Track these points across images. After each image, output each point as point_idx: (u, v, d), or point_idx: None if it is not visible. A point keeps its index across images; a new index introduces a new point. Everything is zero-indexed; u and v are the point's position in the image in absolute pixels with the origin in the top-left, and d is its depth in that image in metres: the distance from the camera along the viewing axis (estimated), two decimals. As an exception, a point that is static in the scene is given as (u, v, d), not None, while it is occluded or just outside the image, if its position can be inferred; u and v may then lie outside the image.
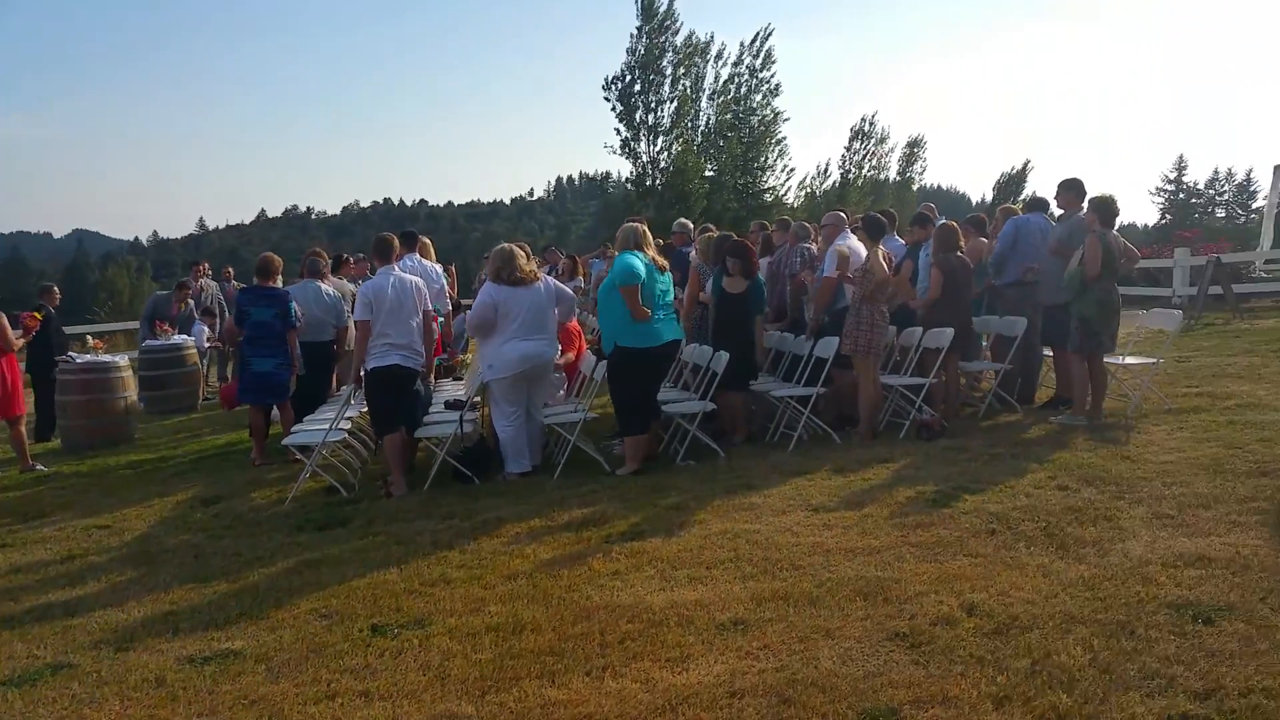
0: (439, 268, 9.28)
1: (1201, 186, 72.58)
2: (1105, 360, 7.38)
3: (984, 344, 9.07)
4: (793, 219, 11.37)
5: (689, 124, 39.52)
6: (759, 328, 7.77)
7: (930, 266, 7.78)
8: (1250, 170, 68.40)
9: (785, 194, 40.46)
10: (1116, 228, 7.25)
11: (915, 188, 48.94)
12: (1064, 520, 4.89)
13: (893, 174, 47.02)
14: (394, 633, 4.06)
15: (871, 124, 45.51)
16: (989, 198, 53.86)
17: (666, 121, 38.83)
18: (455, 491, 6.58)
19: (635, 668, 3.52)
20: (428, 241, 9.62)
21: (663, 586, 4.36)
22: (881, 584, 4.20)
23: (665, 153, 39.09)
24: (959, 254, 7.83)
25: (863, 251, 7.57)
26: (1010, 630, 3.64)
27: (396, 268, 7.11)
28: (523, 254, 6.93)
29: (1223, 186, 72.46)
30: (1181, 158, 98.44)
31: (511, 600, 4.32)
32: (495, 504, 6.10)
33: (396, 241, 7.51)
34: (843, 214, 8.55)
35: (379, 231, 8.61)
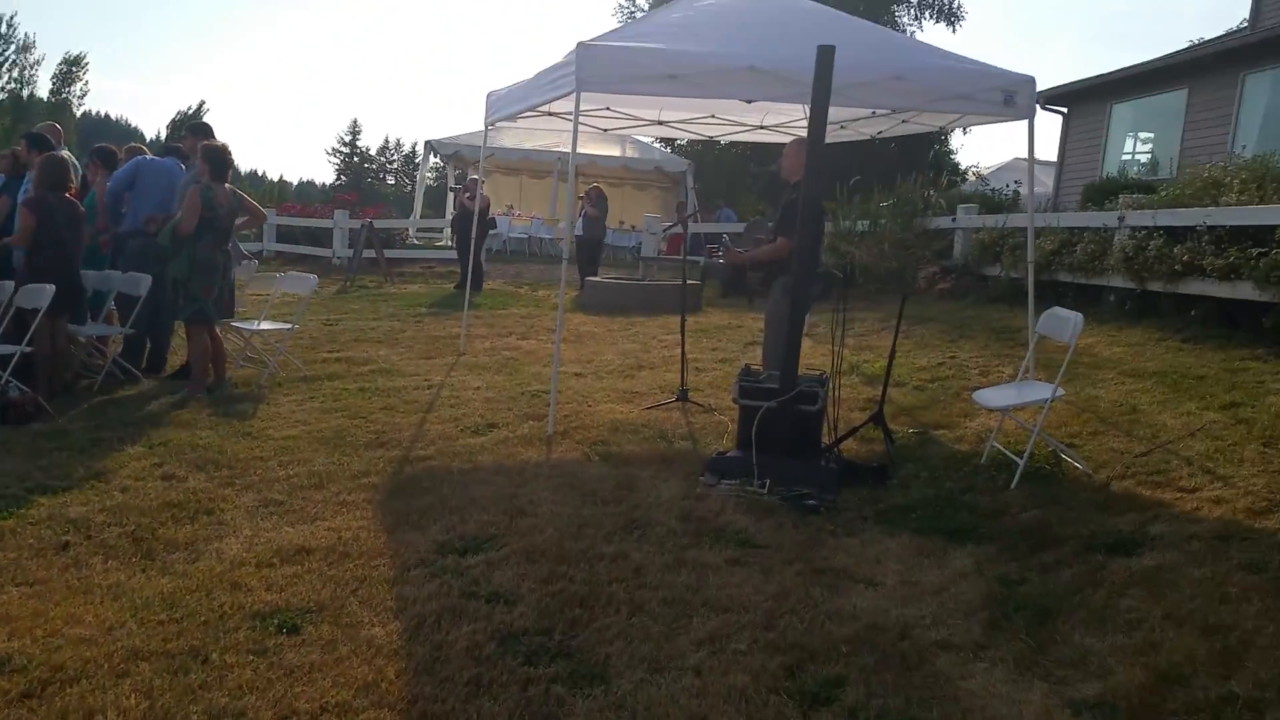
0: None
1: (374, 152, 79.73)
2: (239, 325, 7.02)
3: (110, 304, 7.99)
4: None
5: None
6: None
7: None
8: (415, 143, 77.38)
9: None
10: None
11: (79, 113, 43.73)
12: (160, 519, 4.29)
13: (42, 92, 41.21)
14: None
15: (11, 26, 39.08)
16: (164, 135, 51.22)
17: None
18: None
19: None
20: None
21: None
22: None
23: None
24: (67, 195, 6.63)
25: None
26: (49, 687, 2.88)
27: None
28: None
29: (393, 155, 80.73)
30: (356, 122, 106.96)
31: None
32: None
33: None
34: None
35: None
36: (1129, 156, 16.54)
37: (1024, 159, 24.18)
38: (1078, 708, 2.91)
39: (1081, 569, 3.89)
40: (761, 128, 8.80)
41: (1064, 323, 5.20)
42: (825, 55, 5.08)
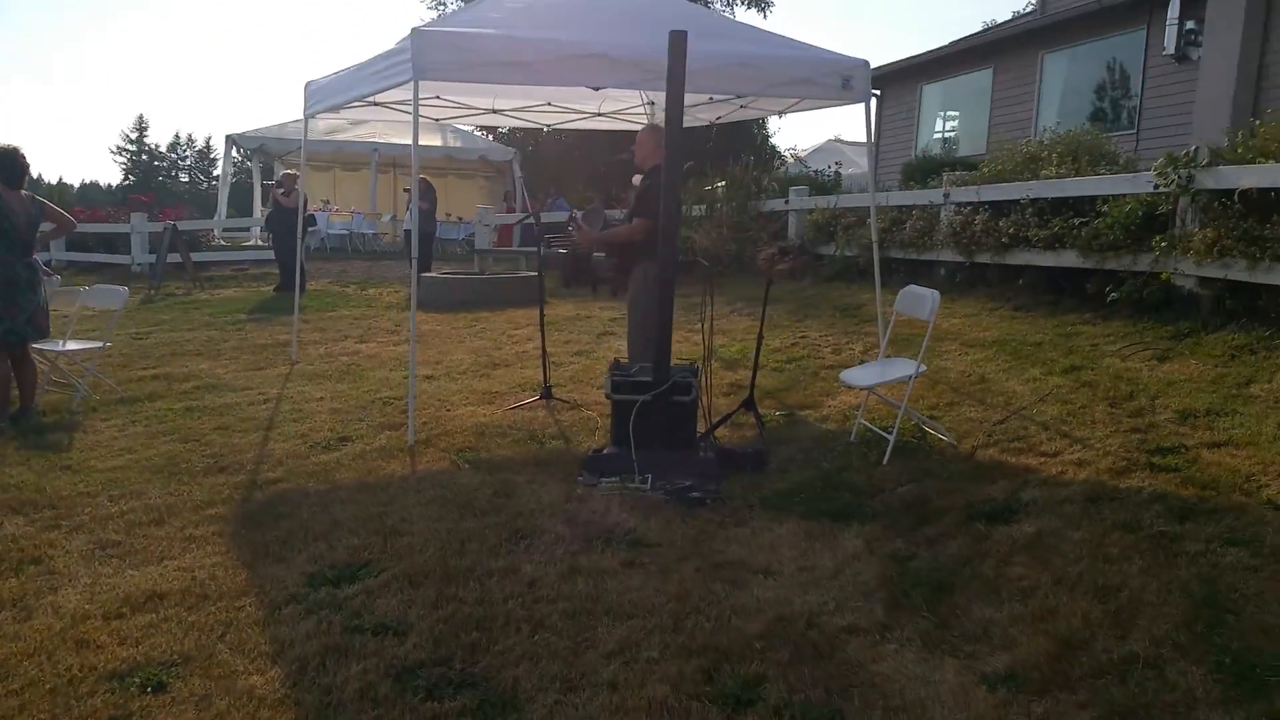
0: None
1: (164, 149, 74.97)
2: (42, 347, 6.36)
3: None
4: None
5: None
6: None
7: None
8: (210, 138, 73.12)
9: None
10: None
11: None
12: (-25, 576, 3.80)
13: None
14: None
15: None
16: (-87, 138, 46.38)
17: None
18: None
19: None
20: None
21: None
22: None
23: None
24: None
25: None
26: None
27: None
28: None
29: (185, 151, 76.15)
30: (142, 117, 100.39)
31: None
32: None
33: None
34: None
35: None
36: (939, 135, 17.48)
37: (838, 141, 25.25)
38: (991, 682, 2.97)
39: (966, 540, 4.02)
40: (599, 115, 8.72)
41: (921, 300, 5.38)
42: (678, 40, 5.03)
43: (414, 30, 5.65)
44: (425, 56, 5.56)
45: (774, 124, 30.81)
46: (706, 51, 5.88)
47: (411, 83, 5.64)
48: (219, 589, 3.69)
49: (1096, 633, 3.17)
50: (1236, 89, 10.65)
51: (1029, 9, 24.63)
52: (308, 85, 7.83)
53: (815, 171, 16.68)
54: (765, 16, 30.35)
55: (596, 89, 6.77)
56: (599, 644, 3.27)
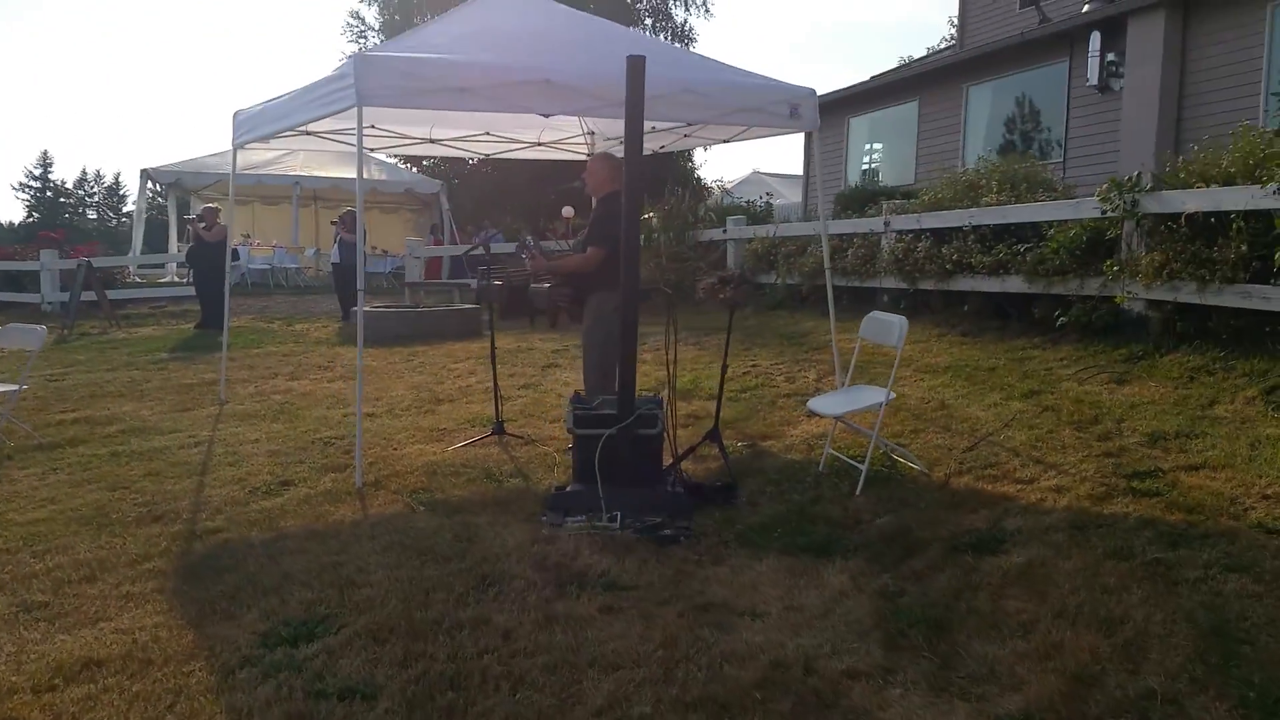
0: None
1: (71, 186, 72.61)
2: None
3: None
4: None
5: None
6: None
7: None
8: (119, 173, 70.98)
9: None
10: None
11: None
12: (-119, 650, 3.38)
13: None
14: None
15: None
16: None
17: None
18: None
19: None
20: None
21: None
22: None
23: None
24: None
25: None
26: None
27: None
28: None
29: (93, 187, 73.80)
30: (46, 153, 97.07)
31: None
32: None
33: None
34: None
35: None
36: (867, 166, 17.71)
37: (760, 173, 25.46)
38: (1008, 725, 2.82)
39: (955, 572, 3.88)
40: (539, 144, 8.56)
41: (889, 327, 5.28)
42: (636, 66, 4.89)
43: (356, 54, 5.42)
44: (368, 82, 5.31)
45: (700, 156, 31.05)
46: (653, 78, 5.76)
47: (352, 110, 5.39)
48: (163, 653, 3.35)
49: (1107, 668, 3.04)
50: (1160, 117, 10.96)
51: (944, 45, 25.33)
52: (236, 114, 7.50)
53: (748, 202, 16.74)
54: (690, 48, 30.68)
55: (547, 115, 6.58)
56: (587, 700, 3.03)
